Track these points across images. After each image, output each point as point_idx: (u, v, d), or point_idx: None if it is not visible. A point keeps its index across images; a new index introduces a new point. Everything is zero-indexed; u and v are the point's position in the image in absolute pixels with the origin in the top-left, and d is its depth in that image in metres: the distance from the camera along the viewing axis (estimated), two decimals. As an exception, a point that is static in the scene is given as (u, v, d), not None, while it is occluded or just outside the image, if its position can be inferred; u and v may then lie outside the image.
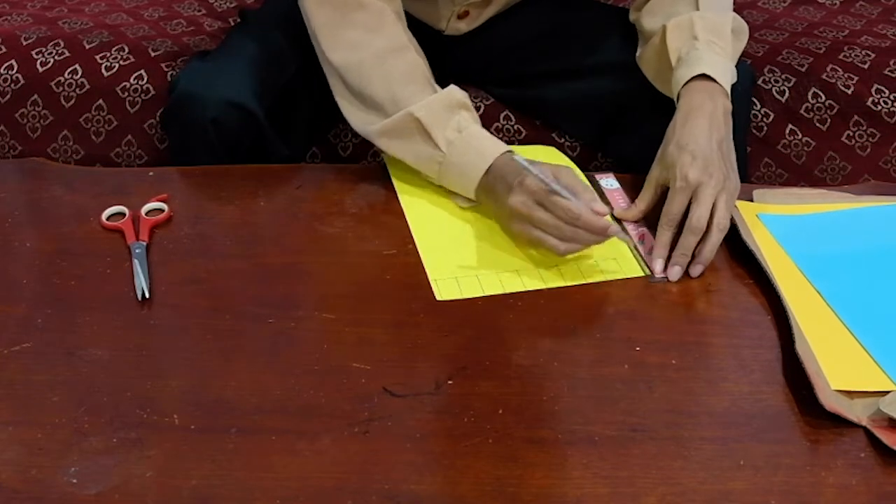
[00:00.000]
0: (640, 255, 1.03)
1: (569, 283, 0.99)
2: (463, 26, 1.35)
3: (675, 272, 0.99)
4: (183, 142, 1.24)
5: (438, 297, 0.96)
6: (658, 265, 1.00)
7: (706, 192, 1.00)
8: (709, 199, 1.00)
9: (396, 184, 1.15)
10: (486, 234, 1.07)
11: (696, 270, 0.99)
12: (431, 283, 0.98)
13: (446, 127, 1.09)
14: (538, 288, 0.98)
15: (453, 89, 1.12)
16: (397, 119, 1.10)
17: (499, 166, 1.06)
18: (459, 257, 1.03)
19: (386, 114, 1.12)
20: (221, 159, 1.20)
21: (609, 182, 1.17)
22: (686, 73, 1.09)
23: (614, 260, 1.02)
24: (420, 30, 1.24)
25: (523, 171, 1.01)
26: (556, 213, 0.98)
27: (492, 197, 1.06)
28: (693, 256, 1.00)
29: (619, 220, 1.08)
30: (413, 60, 1.15)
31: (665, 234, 1.01)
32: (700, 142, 1.03)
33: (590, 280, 1.00)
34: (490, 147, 1.08)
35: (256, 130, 1.21)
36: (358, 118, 1.16)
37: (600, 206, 1.00)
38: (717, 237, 1.00)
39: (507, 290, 0.98)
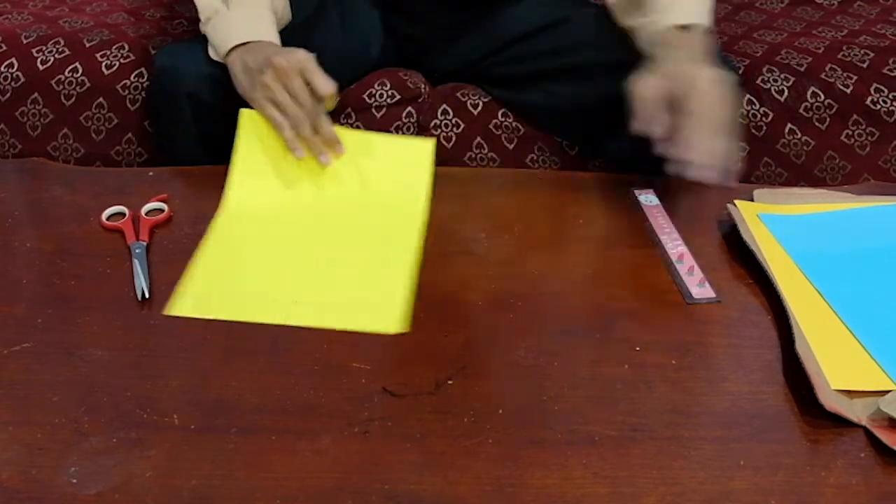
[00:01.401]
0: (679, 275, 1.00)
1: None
2: None
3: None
4: (162, 125, 1.28)
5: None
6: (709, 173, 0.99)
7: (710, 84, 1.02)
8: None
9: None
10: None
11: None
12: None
13: None
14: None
15: None
16: None
17: (262, 46, 1.13)
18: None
19: None
20: (199, 131, 1.23)
21: (648, 198, 1.15)
22: (668, 19, 1.11)
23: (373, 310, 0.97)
24: (426, 13, 1.26)
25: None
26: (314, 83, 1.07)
27: (239, 67, 1.13)
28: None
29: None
30: None
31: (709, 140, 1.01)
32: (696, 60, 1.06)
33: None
34: (266, 30, 1.15)
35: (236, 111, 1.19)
36: None
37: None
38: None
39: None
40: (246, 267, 1.04)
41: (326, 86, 1.07)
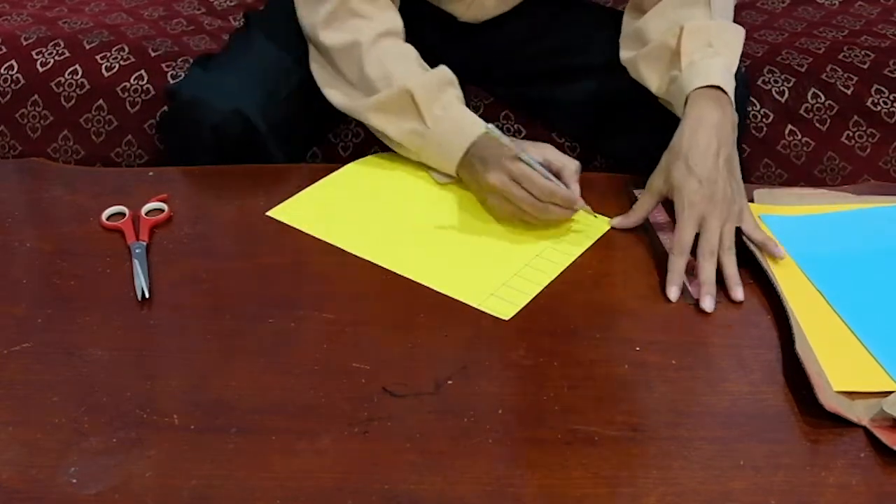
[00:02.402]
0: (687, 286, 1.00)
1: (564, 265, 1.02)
2: (490, 4, 1.34)
3: (708, 302, 0.95)
4: (181, 150, 1.24)
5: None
6: (673, 293, 0.96)
7: (712, 223, 1.00)
8: (715, 230, 1.00)
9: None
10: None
11: (737, 293, 0.97)
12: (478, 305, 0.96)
13: (435, 104, 1.13)
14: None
15: (443, 68, 1.17)
16: (391, 93, 1.14)
17: (479, 145, 1.10)
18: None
19: (377, 91, 1.15)
20: (219, 159, 1.20)
21: None
22: (698, 80, 1.08)
23: (582, 232, 1.07)
24: (432, 21, 1.24)
25: (502, 147, 1.06)
26: (532, 191, 1.03)
27: (471, 173, 1.10)
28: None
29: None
30: (406, 45, 1.20)
31: (679, 261, 0.98)
32: (707, 163, 1.02)
33: (577, 254, 1.04)
34: (471, 126, 1.12)
35: (257, 142, 1.20)
36: (343, 97, 1.20)
37: (572, 187, 1.07)
38: (729, 259, 0.99)
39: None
40: (362, 202, 1.13)
41: (542, 187, 1.04)
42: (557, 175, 1.06)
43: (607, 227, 1.08)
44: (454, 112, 1.14)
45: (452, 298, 0.96)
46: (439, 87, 1.15)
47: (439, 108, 1.13)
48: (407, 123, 1.14)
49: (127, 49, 1.50)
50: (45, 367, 0.87)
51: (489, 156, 1.07)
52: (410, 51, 1.19)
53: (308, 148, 1.44)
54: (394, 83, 1.14)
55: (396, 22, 1.20)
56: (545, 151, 1.09)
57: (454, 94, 1.16)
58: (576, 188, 1.07)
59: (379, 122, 1.16)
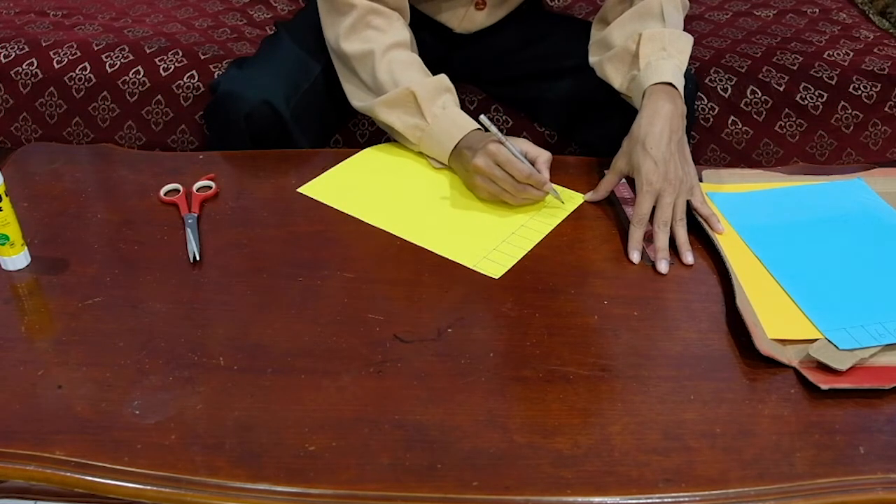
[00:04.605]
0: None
1: (544, 233, 1.01)
2: (479, 19, 1.32)
3: (663, 265, 0.94)
4: (221, 134, 1.22)
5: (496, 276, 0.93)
6: (635, 257, 0.95)
7: (666, 199, 0.98)
8: (669, 204, 0.98)
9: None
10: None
11: (688, 258, 0.96)
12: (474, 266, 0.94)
13: (434, 104, 1.11)
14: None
15: (443, 76, 1.15)
16: (397, 92, 1.11)
17: (468, 138, 1.09)
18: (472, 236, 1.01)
19: (386, 93, 1.13)
20: (254, 146, 1.18)
21: None
22: (654, 77, 1.06)
23: (559, 205, 1.06)
24: (432, 33, 1.23)
25: (487, 137, 1.05)
26: (512, 173, 1.02)
27: (460, 160, 1.09)
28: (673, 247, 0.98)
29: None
30: (412, 54, 1.17)
31: (638, 230, 0.97)
32: (661, 147, 1.00)
33: (556, 224, 1.02)
34: (464, 124, 1.10)
35: (282, 126, 1.19)
36: (359, 97, 1.18)
37: (544, 173, 1.04)
38: (680, 228, 0.98)
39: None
40: (377, 181, 1.10)
41: (521, 169, 1.01)
42: (533, 163, 1.04)
43: (581, 201, 1.07)
44: (450, 112, 1.12)
45: (451, 260, 0.95)
46: (438, 91, 1.12)
47: (438, 107, 1.11)
48: (410, 119, 1.12)
49: (181, 53, 1.48)
50: (113, 318, 0.86)
51: (476, 144, 1.05)
52: (416, 60, 1.16)
53: (330, 135, 1.42)
54: (400, 86, 1.12)
55: (405, 34, 1.17)
56: (522, 144, 1.06)
57: (451, 97, 1.14)
58: (546, 174, 1.04)
59: (387, 116, 1.13)
